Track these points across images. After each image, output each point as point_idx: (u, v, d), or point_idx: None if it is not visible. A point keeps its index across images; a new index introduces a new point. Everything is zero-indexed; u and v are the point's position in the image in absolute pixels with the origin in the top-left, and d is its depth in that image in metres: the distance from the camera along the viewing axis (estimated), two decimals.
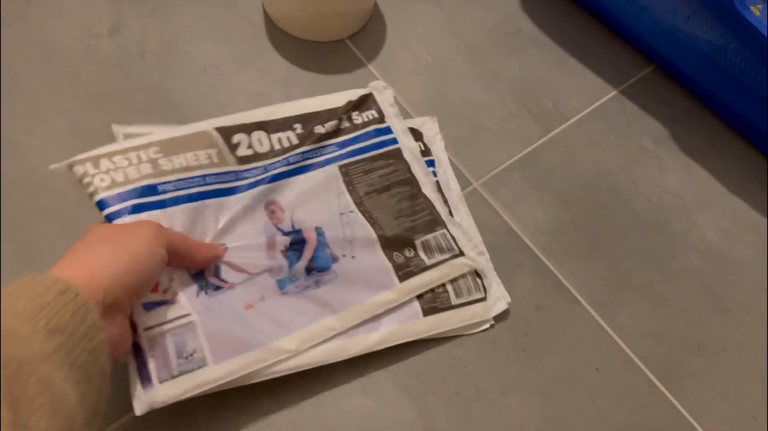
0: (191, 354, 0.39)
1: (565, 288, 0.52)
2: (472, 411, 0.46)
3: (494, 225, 0.53)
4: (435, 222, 0.49)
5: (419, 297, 0.47)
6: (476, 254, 0.49)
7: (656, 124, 0.60)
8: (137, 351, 0.39)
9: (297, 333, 0.43)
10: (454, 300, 0.48)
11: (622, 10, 0.61)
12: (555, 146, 0.58)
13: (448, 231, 0.49)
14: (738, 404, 0.49)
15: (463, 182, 0.55)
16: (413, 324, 0.46)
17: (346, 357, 0.44)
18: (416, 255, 0.48)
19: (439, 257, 0.48)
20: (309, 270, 0.46)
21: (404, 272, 0.47)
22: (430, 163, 0.53)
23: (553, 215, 0.55)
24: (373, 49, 0.60)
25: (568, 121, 0.59)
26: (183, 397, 0.39)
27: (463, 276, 0.48)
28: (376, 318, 0.46)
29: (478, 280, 0.49)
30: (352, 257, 0.47)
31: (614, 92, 0.61)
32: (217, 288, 0.43)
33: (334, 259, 0.46)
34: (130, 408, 0.38)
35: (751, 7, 0.49)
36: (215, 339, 0.40)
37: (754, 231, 0.56)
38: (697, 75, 0.60)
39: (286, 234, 0.46)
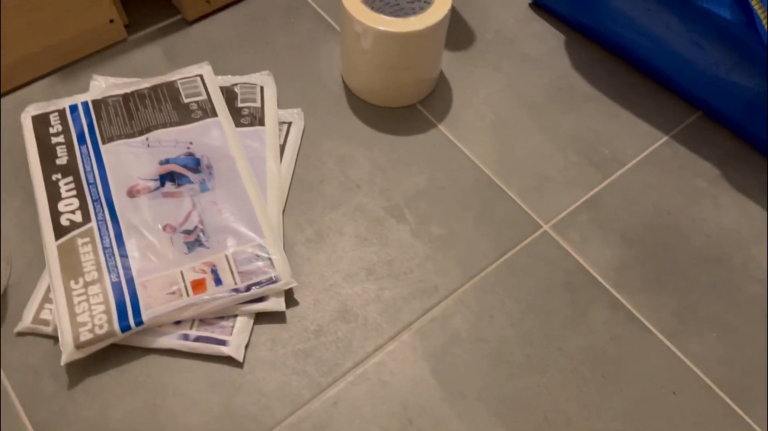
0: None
1: (636, 319, 0.56)
2: None
3: (566, 264, 0.59)
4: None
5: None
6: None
7: (708, 166, 0.65)
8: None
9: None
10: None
11: (667, 64, 0.67)
12: (615, 190, 0.63)
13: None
14: None
15: (534, 226, 0.61)
16: None
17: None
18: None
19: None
20: (197, 168, 0.58)
21: None
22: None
23: (619, 253, 0.59)
24: (443, 111, 0.67)
25: (625, 166, 0.65)
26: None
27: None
28: None
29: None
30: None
31: (665, 138, 0.67)
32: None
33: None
34: None
35: None
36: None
37: None
38: (743, 119, 0.65)
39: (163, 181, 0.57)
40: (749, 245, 0.61)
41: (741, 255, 0.60)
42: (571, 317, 0.56)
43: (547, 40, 0.74)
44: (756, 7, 0.55)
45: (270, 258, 0.53)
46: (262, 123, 0.62)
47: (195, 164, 0.58)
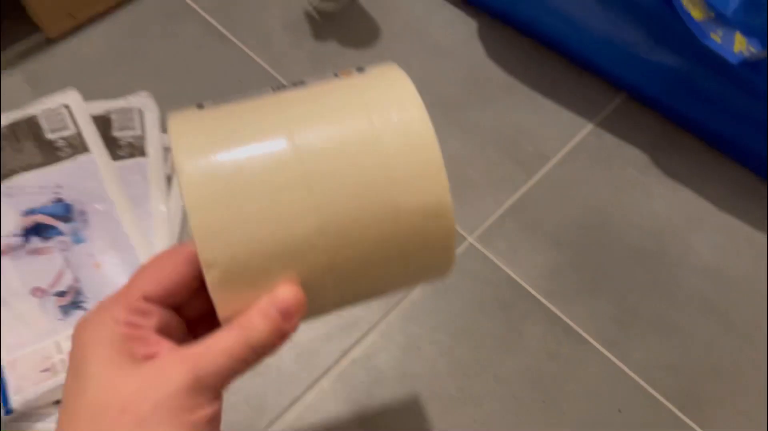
0: None
1: (574, 332, 0.52)
2: None
3: (495, 279, 0.54)
4: None
5: None
6: None
7: (637, 152, 0.61)
8: None
9: None
10: None
11: (586, 45, 0.63)
12: (542, 189, 0.59)
13: None
14: (764, 423, 0.49)
15: (458, 239, 0.55)
16: None
17: None
18: None
19: None
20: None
21: None
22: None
23: (551, 259, 0.55)
24: None
25: (551, 161, 0.60)
26: None
27: None
28: None
29: None
30: None
31: (591, 126, 0.63)
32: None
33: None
34: None
35: (712, 35, 0.51)
36: None
37: (747, 244, 0.57)
38: (669, 99, 0.61)
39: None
40: (685, 233, 0.57)
41: (677, 246, 0.57)
42: (505, 338, 0.51)
43: (459, 28, 0.68)
44: None
45: None
46: (143, 153, 0.55)
47: (65, 211, 0.50)
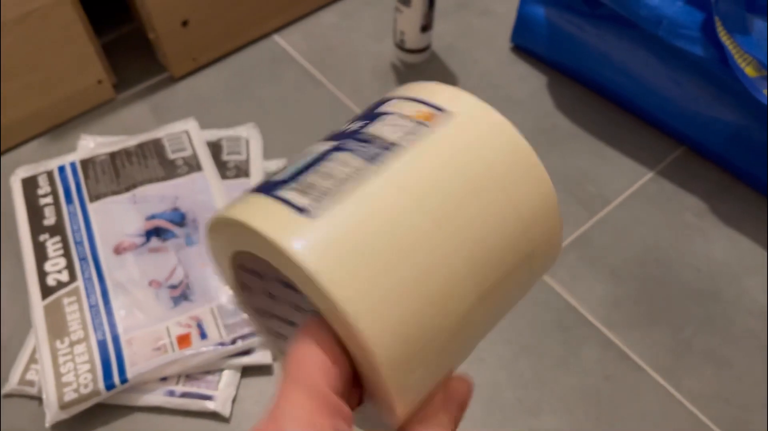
0: None
1: (629, 358, 0.55)
2: None
3: (556, 304, 0.58)
4: None
5: None
6: None
7: (695, 200, 0.65)
8: None
9: None
10: None
11: (648, 101, 0.68)
12: (603, 227, 0.63)
13: None
14: None
15: None
16: None
17: None
18: None
19: None
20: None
21: None
22: None
23: (610, 290, 0.59)
24: None
25: (612, 203, 0.65)
26: None
27: None
28: None
29: None
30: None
31: (651, 174, 0.67)
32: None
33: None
34: None
35: (764, 91, 0.55)
36: None
37: None
38: (726, 152, 0.65)
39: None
40: (741, 278, 0.60)
41: (734, 289, 0.60)
42: (564, 357, 0.55)
43: (530, 82, 0.75)
44: (727, 43, 0.56)
45: None
46: (247, 175, 0.63)
47: (180, 218, 0.58)
